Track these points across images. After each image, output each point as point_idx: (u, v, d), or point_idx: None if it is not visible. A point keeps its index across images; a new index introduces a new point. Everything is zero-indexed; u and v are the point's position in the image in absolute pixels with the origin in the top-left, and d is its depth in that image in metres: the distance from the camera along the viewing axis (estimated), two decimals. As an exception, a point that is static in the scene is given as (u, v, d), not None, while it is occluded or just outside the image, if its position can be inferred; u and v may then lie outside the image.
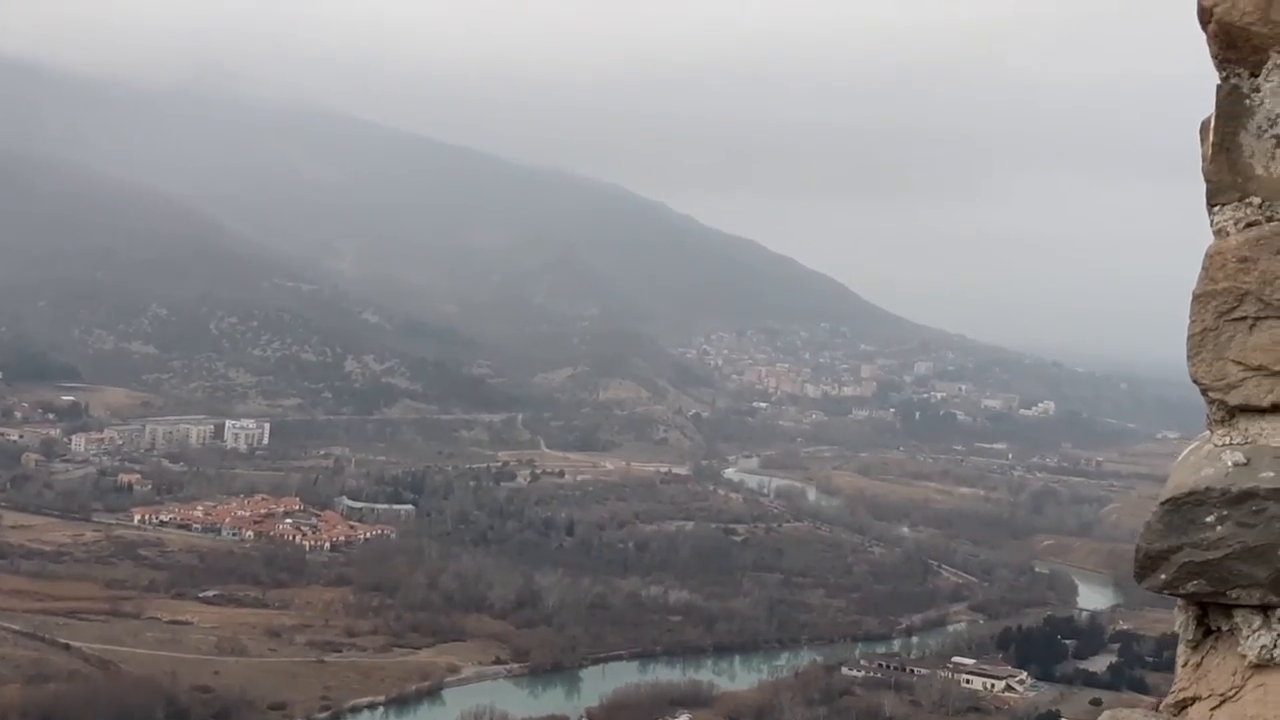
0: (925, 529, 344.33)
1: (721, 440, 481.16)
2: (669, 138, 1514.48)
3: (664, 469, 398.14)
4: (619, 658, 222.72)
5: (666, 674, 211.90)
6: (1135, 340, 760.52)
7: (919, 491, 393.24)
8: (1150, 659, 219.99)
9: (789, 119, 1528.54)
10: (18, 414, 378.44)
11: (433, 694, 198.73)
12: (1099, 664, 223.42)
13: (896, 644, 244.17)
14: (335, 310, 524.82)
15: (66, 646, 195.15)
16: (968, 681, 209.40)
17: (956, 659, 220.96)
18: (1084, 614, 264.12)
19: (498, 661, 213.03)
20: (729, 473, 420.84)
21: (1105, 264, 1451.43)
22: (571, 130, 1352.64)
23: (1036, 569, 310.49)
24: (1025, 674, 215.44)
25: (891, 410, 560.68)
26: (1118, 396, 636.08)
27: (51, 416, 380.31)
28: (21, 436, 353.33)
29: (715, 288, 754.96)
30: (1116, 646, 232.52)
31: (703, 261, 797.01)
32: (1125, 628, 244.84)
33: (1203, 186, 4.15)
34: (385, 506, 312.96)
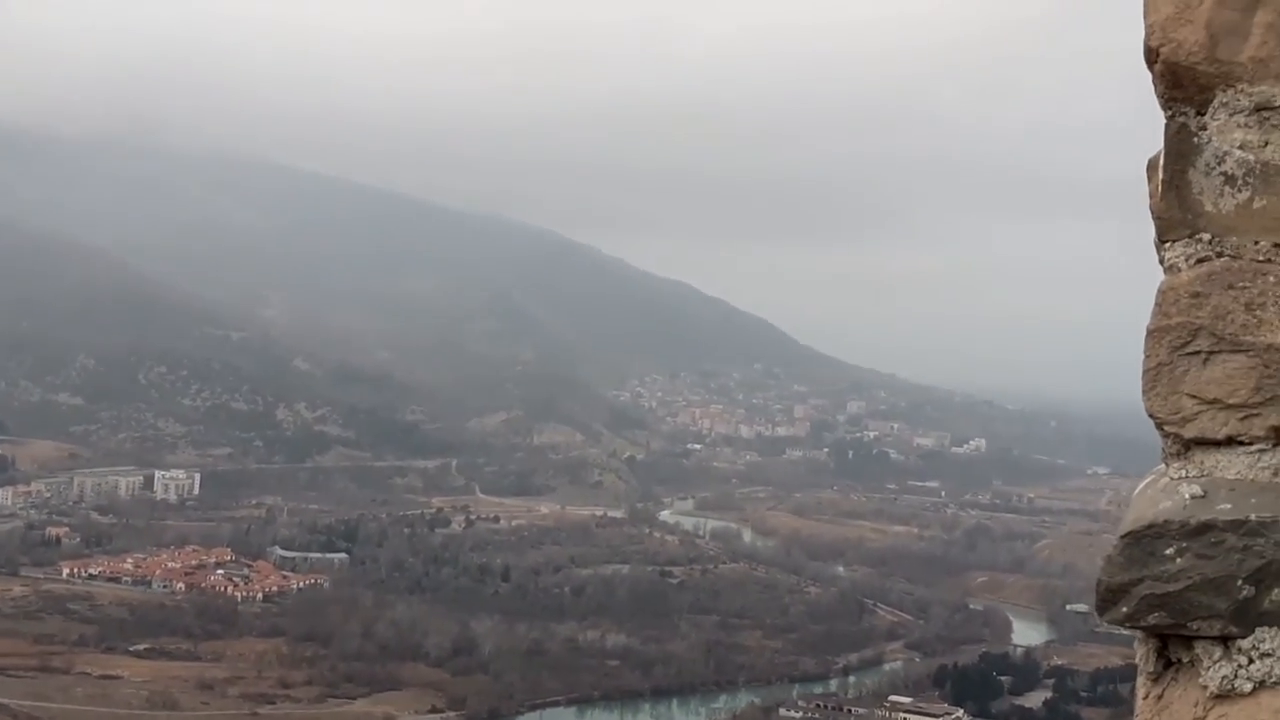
0: (860, 568, 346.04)
1: (657, 483, 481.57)
2: (600, 181, 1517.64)
3: (599, 512, 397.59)
4: (556, 703, 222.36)
5: (605, 719, 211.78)
6: (1066, 378, 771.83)
7: (853, 530, 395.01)
8: (1084, 693, 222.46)
9: (720, 162, 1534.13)
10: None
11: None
12: (1034, 699, 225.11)
13: (834, 683, 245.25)
14: (266, 358, 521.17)
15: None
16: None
17: (893, 697, 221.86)
18: (1018, 650, 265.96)
19: (434, 710, 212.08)
20: (665, 515, 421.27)
21: (1037, 303, 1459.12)
22: (502, 175, 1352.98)
23: (971, 606, 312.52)
24: (961, 711, 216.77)
25: (825, 450, 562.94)
26: (1047, 434, 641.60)
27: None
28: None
29: (648, 330, 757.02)
30: (1051, 682, 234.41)
31: (636, 304, 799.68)
32: (1059, 663, 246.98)
33: (1146, 223, 4.21)
34: (319, 555, 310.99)
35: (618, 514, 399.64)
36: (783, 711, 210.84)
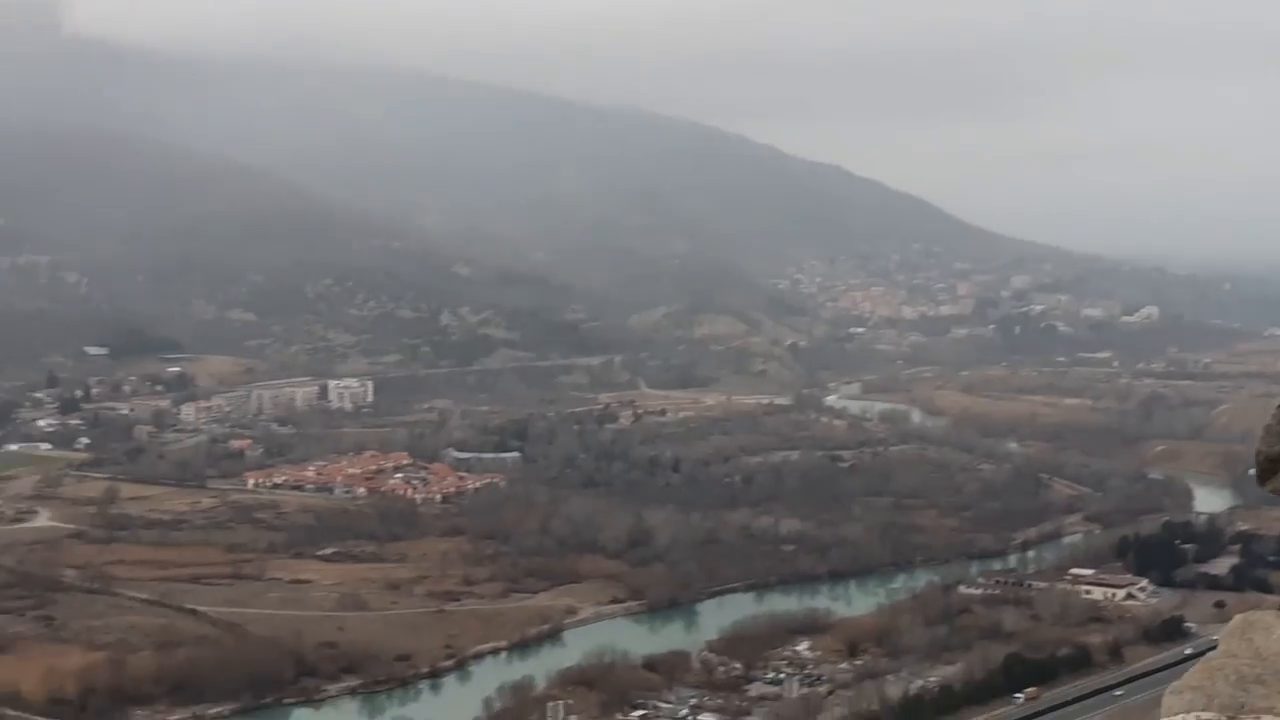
0: (1033, 443, 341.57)
1: (821, 368, 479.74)
2: (745, 69, 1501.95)
3: (765, 400, 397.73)
4: (734, 590, 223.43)
5: (783, 603, 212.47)
6: (1238, 241, 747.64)
7: (1024, 406, 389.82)
8: (1272, 558, 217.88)
9: (867, 41, 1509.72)
10: (126, 388, 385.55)
11: (553, 636, 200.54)
12: (1220, 566, 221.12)
13: (1012, 560, 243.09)
14: (427, 265, 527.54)
15: (193, 612, 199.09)
16: (1088, 592, 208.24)
17: (1074, 570, 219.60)
18: (1202, 517, 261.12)
19: (614, 601, 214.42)
20: (830, 400, 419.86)
21: (1204, 167, 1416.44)
22: (648, 69, 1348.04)
23: (1150, 475, 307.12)
24: (1145, 581, 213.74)
25: (991, 326, 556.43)
26: (1221, 297, 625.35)
27: (159, 388, 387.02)
28: (132, 410, 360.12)
29: (803, 216, 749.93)
30: (1237, 548, 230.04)
31: (789, 190, 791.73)
32: (1245, 529, 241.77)
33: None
34: (492, 456, 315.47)
35: (783, 401, 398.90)
36: (962, 589, 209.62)
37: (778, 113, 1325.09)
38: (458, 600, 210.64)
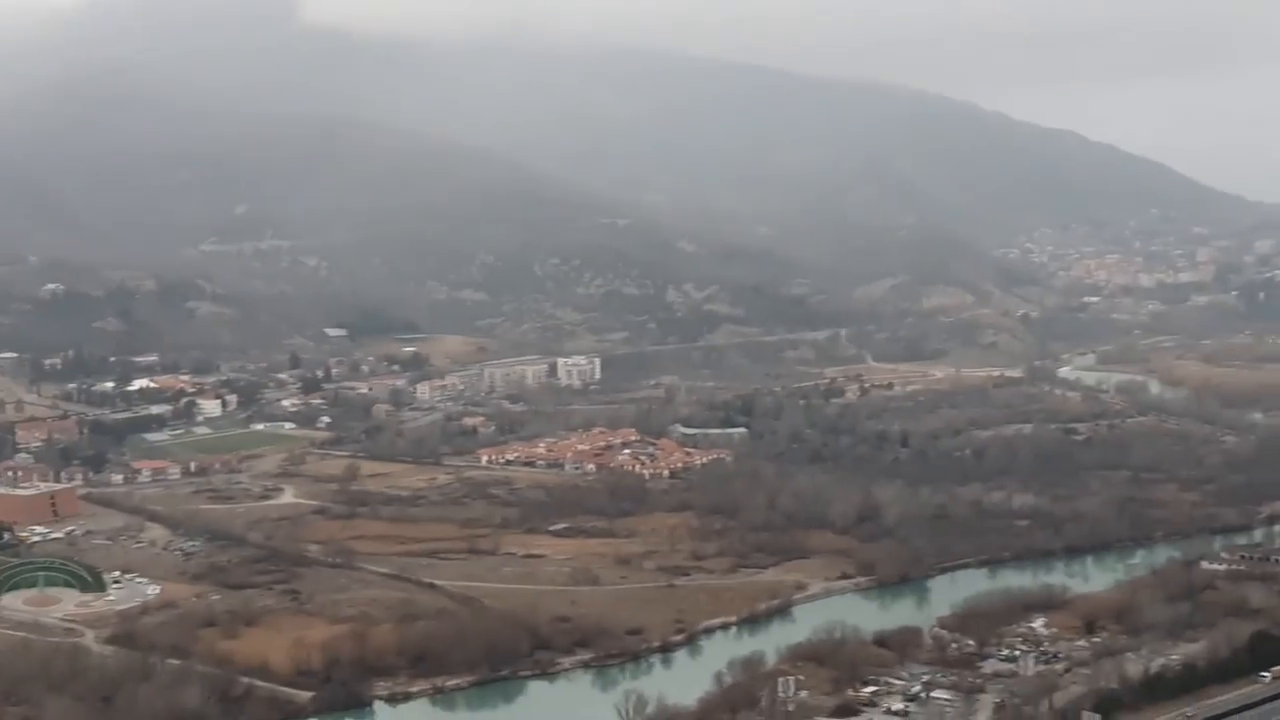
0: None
1: (1053, 339, 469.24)
2: (972, 36, 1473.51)
3: (995, 373, 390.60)
4: (966, 566, 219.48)
5: (1016, 579, 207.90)
6: None
7: (1270, 375, 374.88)
8: None
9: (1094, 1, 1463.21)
10: (364, 368, 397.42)
11: (782, 612, 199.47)
12: None
13: (1258, 534, 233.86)
14: (652, 242, 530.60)
15: (431, 586, 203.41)
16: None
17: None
18: None
19: (844, 577, 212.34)
20: (1064, 372, 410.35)
21: None
22: (872, 39, 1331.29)
23: None
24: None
25: (1233, 293, 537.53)
26: None
27: (396, 368, 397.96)
28: (370, 389, 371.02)
29: (1033, 183, 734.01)
30: None
31: (1018, 158, 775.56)
32: None
33: None
34: (718, 431, 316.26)
35: (1014, 373, 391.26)
36: (1205, 565, 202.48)
37: (1007, 79, 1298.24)
38: (687, 575, 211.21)
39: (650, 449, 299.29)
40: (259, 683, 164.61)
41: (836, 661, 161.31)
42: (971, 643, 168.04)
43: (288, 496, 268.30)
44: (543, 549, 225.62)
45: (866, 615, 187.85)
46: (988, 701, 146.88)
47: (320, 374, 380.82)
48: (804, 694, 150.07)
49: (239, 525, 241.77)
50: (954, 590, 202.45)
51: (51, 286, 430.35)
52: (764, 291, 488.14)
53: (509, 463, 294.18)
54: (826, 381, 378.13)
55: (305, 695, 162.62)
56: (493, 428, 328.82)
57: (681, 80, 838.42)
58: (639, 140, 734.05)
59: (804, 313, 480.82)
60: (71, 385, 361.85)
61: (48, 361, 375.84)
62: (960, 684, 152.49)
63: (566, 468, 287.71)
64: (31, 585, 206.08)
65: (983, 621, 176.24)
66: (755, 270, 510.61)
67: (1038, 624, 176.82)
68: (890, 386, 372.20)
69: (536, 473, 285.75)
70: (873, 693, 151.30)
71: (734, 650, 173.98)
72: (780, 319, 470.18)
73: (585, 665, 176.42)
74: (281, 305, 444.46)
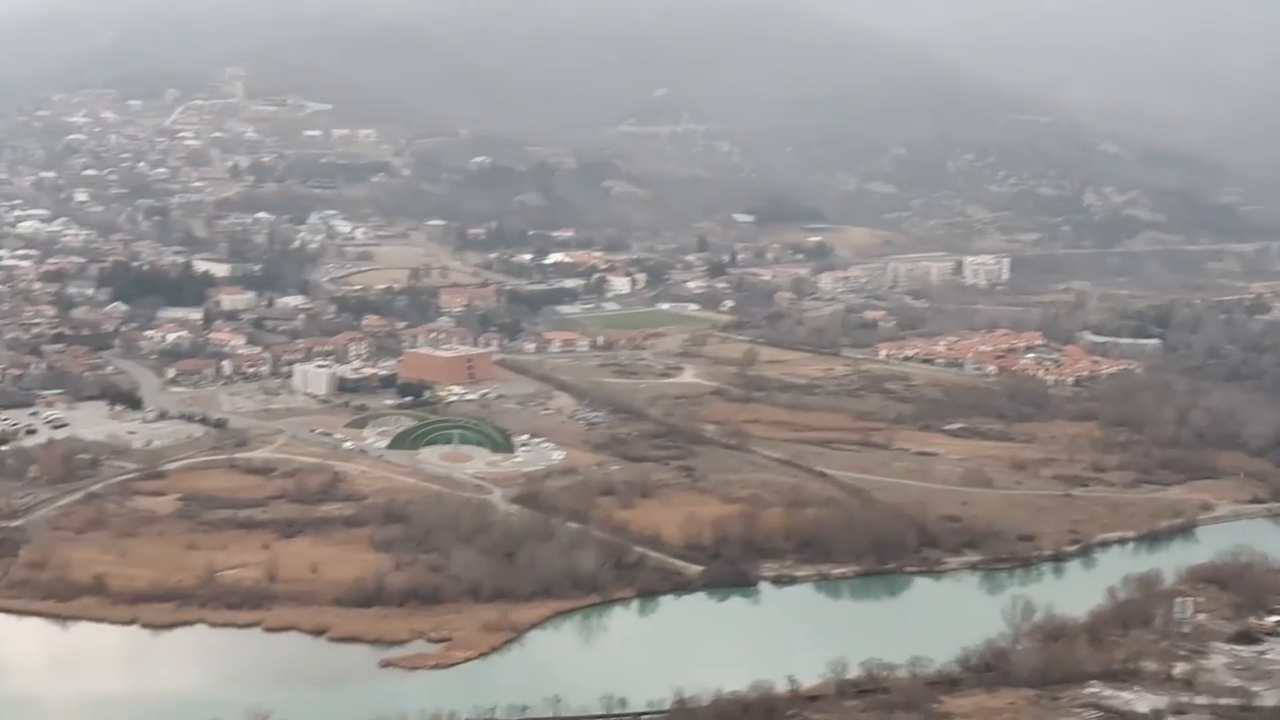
0: None
1: None
2: None
3: None
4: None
5: None
6: None
7: None
8: None
9: None
10: (769, 255, 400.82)
11: (1185, 531, 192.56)
12: None
13: None
14: (1072, 142, 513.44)
15: (822, 474, 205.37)
16: None
17: None
18: None
19: (1255, 500, 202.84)
20: None
21: None
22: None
23: None
24: None
25: None
26: None
27: (800, 256, 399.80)
28: (774, 276, 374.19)
29: None
30: None
31: None
32: None
33: None
34: (1129, 341, 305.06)
35: None
36: None
37: None
38: (1085, 486, 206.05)
39: (1055, 354, 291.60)
40: (651, 553, 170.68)
41: (1240, 586, 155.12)
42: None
43: (687, 376, 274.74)
44: (936, 447, 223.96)
45: (1277, 542, 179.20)
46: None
47: (726, 258, 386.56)
48: (1202, 617, 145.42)
49: (640, 400, 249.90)
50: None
51: (479, 159, 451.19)
52: (1190, 198, 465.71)
53: (907, 359, 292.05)
54: (1252, 296, 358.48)
55: (694, 569, 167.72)
56: (893, 322, 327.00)
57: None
58: (1065, 34, 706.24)
59: (1232, 222, 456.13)
60: (492, 255, 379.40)
61: (472, 231, 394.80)
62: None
63: (966, 367, 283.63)
64: (447, 442, 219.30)
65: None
66: (1182, 175, 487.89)
67: None
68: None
69: (935, 370, 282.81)
70: (1276, 622, 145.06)
71: (1130, 566, 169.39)
72: (1206, 228, 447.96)
73: (972, 567, 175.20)
74: (693, 188, 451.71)
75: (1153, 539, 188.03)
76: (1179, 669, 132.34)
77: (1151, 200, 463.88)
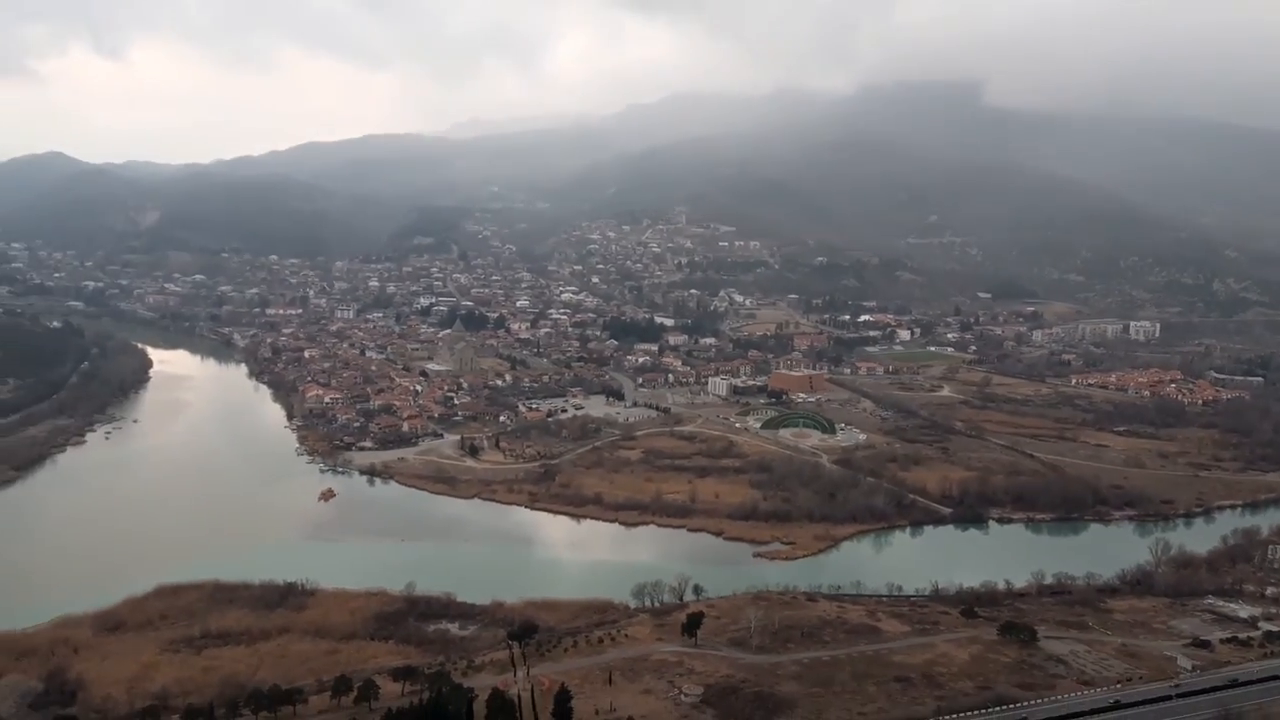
0: None
1: None
2: None
3: None
4: None
5: None
6: None
7: None
8: None
9: None
10: (1000, 318, 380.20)
11: (1277, 502, 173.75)
12: None
13: None
14: (1205, 250, 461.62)
15: (1030, 455, 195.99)
16: None
17: None
18: None
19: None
20: None
21: None
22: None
23: None
24: None
25: None
26: None
27: (1021, 320, 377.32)
28: (1003, 331, 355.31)
29: None
30: None
31: None
32: None
33: None
34: (1242, 378, 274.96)
35: None
36: None
37: None
38: (1208, 470, 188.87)
39: (1190, 386, 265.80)
40: (919, 499, 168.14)
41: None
42: None
43: (945, 391, 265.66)
44: (1106, 442, 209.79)
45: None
46: None
47: (972, 320, 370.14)
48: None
49: (914, 404, 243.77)
50: None
51: (819, 259, 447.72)
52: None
53: (1090, 385, 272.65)
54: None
55: (945, 510, 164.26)
56: (1081, 362, 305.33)
57: (1231, 145, 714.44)
58: (1203, 186, 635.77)
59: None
60: (825, 315, 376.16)
61: (814, 301, 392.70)
62: None
63: (1129, 392, 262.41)
64: (794, 426, 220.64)
65: None
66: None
67: None
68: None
69: (1108, 393, 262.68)
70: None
71: (1238, 523, 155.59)
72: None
73: (1130, 519, 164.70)
74: (951, 277, 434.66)
75: (1254, 506, 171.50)
76: (1270, 591, 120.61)
77: (1259, 287, 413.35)
